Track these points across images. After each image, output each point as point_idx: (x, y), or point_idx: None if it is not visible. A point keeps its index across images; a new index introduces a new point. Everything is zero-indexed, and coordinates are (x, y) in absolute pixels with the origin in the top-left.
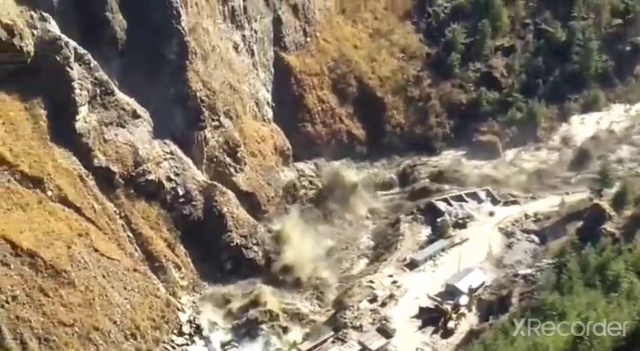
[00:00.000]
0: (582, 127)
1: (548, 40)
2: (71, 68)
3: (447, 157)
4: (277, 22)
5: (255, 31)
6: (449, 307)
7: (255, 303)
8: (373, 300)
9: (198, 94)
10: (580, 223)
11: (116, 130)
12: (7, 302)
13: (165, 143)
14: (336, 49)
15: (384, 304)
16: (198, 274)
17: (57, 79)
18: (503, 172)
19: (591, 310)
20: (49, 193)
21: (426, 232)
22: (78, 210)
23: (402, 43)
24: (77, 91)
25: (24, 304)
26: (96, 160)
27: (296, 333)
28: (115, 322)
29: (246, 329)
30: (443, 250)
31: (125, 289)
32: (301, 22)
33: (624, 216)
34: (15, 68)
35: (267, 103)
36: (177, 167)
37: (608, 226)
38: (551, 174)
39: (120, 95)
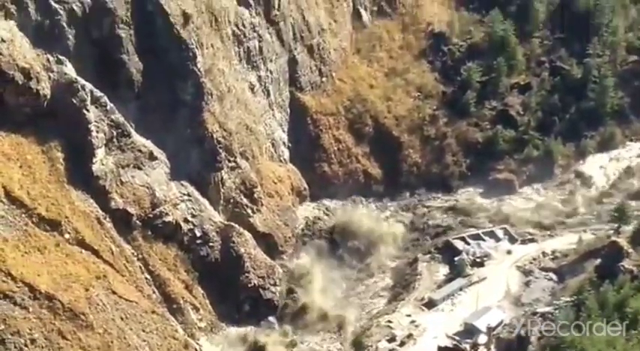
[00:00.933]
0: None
1: (563, 77)
2: (87, 111)
3: (463, 195)
4: (293, 62)
5: (271, 72)
6: (467, 347)
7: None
8: (392, 340)
9: (214, 136)
10: (598, 261)
11: (133, 172)
12: (25, 346)
13: (182, 185)
14: (351, 88)
15: (402, 344)
16: (216, 315)
17: (73, 122)
18: (520, 209)
19: (611, 348)
20: (67, 235)
21: (443, 271)
22: (95, 252)
23: (417, 82)
24: (94, 133)
25: (42, 347)
26: (113, 203)
27: None
28: None
29: None
30: (461, 289)
31: (143, 331)
32: (317, 62)
33: None
34: (32, 111)
35: (284, 143)
36: (194, 209)
37: (627, 264)
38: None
39: (136, 137)
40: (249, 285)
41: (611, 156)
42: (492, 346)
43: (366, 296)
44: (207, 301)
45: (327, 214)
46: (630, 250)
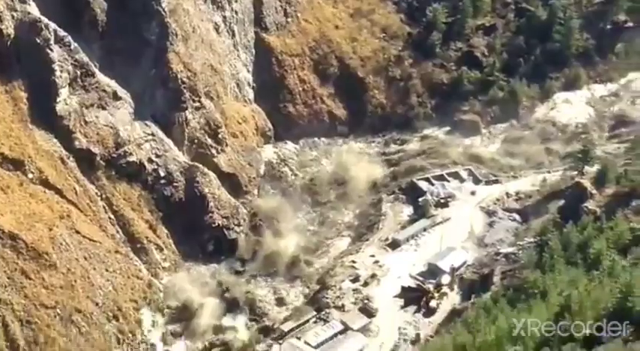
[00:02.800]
0: (565, 105)
1: (529, 18)
2: (51, 50)
3: (428, 136)
4: (258, 2)
5: (236, 12)
6: (431, 287)
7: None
8: (355, 280)
9: (179, 76)
10: (561, 202)
11: (97, 112)
12: None
13: (146, 125)
14: (316, 29)
15: (366, 284)
16: (179, 255)
17: (37, 62)
18: (485, 151)
19: (573, 288)
20: (30, 175)
21: (407, 211)
22: (59, 192)
23: (383, 22)
24: (57, 73)
25: (5, 286)
26: (77, 142)
27: (277, 314)
28: (97, 304)
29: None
30: (425, 229)
31: (107, 270)
32: (282, 2)
33: (605, 194)
34: None
35: (248, 83)
36: (158, 149)
37: (590, 205)
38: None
39: (101, 77)
40: (213, 225)
41: (576, 95)
42: (456, 287)
43: (331, 237)
44: (171, 241)
45: (294, 155)
46: (594, 191)
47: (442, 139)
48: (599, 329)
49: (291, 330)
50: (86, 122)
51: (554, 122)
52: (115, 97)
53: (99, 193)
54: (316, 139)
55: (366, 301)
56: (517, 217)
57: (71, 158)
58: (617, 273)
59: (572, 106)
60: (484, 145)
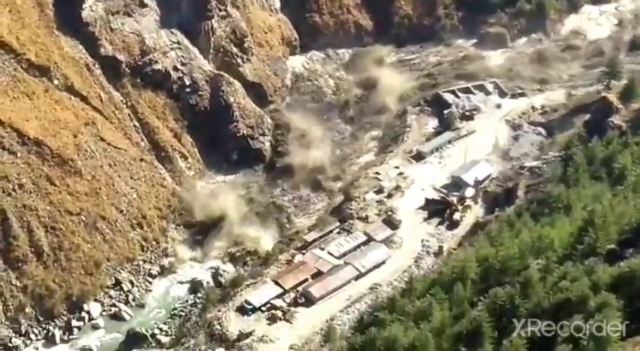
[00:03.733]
0: (591, 18)
1: None
2: None
3: (455, 48)
4: None
5: None
6: (455, 199)
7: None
8: (379, 191)
9: None
10: (587, 116)
11: (123, 19)
12: (14, 190)
13: (172, 33)
14: None
15: (390, 196)
16: (204, 164)
17: None
18: (511, 61)
19: (597, 203)
20: (56, 81)
21: (432, 124)
22: (84, 99)
23: None
24: None
25: (30, 192)
26: (102, 49)
27: (301, 224)
28: (121, 212)
29: None
30: (449, 142)
31: (132, 178)
32: None
33: (632, 109)
34: None
35: None
36: (183, 57)
37: (616, 119)
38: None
39: None
40: (238, 134)
41: (603, 9)
42: (479, 199)
43: (357, 148)
44: (196, 150)
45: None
46: (620, 106)
47: (469, 50)
48: (622, 244)
49: (315, 240)
50: (112, 29)
51: (582, 36)
52: (141, 4)
53: (124, 101)
54: (343, 49)
55: (389, 213)
56: (542, 130)
57: (96, 65)
58: None
59: (599, 20)
60: (511, 57)
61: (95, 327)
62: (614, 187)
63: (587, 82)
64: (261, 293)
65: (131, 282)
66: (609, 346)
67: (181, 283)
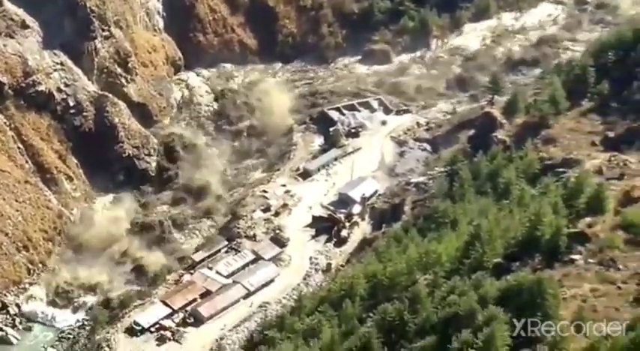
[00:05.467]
0: (473, 35)
1: None
2: None
3: (339, 66)
4: None
5: None
6: (342, 216)
7: None
8: (267, 210)
9: (87, 4)
10: (472, 132)
11: (5, 40)
12: None
13: (55, 54)
14: None
15: (277, 214)
16: (90, 185)
17: None
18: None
19: (483, 218)
20: None
21: (318, 141)
22: None
23: None
24: None
25: None
26: None
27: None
28: (6, 234)
29: None
30: (336, 159)
31: (16, 200)
32: None
33: (515, 124)
34: None
35: (158, 12)
36: (67, 78)
37: (499, 134)
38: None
39: (8, 5)
40: (124, 155)
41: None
42: (366, 216)
43: (243, 166)
44: (81, 171)
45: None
46: (503, 121)
47: (352, 68)
48: (509, 258)
49: (203, 259)
50: None
51: (464, 52)
52: (24, 25)
53: (7, 123)
54: (227, 68)
55: (277, 231)
56: (427, 146)
57: None
58: (526, 202)
59: (478, 36)
60: (394, 74)
61: None
62: (499, 202)
63: (469, 97)
64: (149, 314)
65: (17, 305)
66: None
67: None
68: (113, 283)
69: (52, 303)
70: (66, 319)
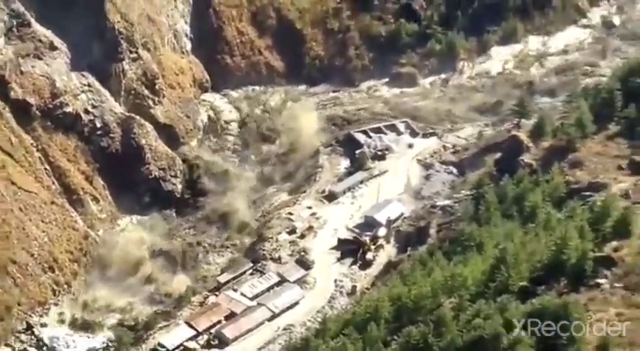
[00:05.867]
0: (500, 58)
1: None
2: None
3: (366, 89)
4: None
5: None
6: (367, 239)
7: None
8: (292, 232)
9: (116, 26)
10: (498, 155)
11: (33, 62)
12: None
13: (82, 75)
14: None
15: (302, 236)
16: (116, 206)
17: None
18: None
19: (509, 241)
20: None
21: (345, 164)
22: None
23: None
24: None
25: None
26: (12, 93)
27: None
28: (32, 255)
29: None
30: (362, 182)
31: (43, 222)
32: None
33: (542, 147)
34: None
35: (186, 34)
36: (94, 99)
37: (526, 158)
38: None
39: (37, 27)
40: (150, 176)
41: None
42: (392, 239)
43: (269, 189)
44: (108, 193)
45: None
46: (530, 145)
47: (380, 91)
48: (534, 281)
49: (228, 281)
50: (22, 72)
51: (491, 75)
52: (52, 47)
53: (35, 144)
54: (254, 90)
55: (302, 253)
56: (454, 169)
57: (7, 109)
58: (552, 226)
59: (504, 60)
60: (421, 97)
61: None
62: (525, 225)
63: (496, 120)
64: (174, 335)
65: (43, 325)
66: None
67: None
68: (137, 304)
69: (75, 325)
70: (89, 341)
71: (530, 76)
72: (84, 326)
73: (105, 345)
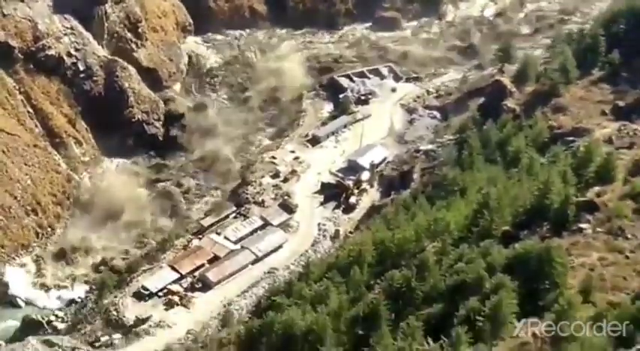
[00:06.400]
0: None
1: None
2: None
3: (349, 32)
4: None
5: None
6: (351, 183)
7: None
8: (275, 176)
9: None
10: (482, 100)
11: (15, 4)
12: None
13: (65, 18)
14: None
15: (286, 180)
16: (99, 149)
17: None
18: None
19: (492, 186)
20: None
21: (328, 108)
22: None
23: None
24: None
25: None
26: None
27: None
28: (15, 198)
29: None
30: (345, 126)
31: (26, 164)
32: None
33: (525, 92)
34: None
35: None
36: (77, 42)
37: (509, 103)
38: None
39: None
40: (133, 120)
41: None
42: (375, 183)
43: (252, 132)
44: (91, 136)
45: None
46: (513, 90)
47: (363, 35)
48: (517, 226)
49: (211, 225)
50: (4, 15)
51: (476, 20)
52: None
53: (17, 87)
54: (237, 34)
55: (285, 197)
56: (437, 114)
57: None
58: (535, 171)
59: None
60: (404, 41)
61: None
62: (508, 170)
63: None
64: (157, 278)
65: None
66: (505, 326)
67: None
68: (121, 248)
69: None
70: (70, 294)
71: (512, 21)
72: (63, 277)
73: (86, 296)
